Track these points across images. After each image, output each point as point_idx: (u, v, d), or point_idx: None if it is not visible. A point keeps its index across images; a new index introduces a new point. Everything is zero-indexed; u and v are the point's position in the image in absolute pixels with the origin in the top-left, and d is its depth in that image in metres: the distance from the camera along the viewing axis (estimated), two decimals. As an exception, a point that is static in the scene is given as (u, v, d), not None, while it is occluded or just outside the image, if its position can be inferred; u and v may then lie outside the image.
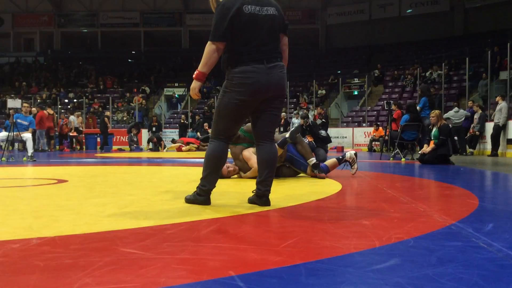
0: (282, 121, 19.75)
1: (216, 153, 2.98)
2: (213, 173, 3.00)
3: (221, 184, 4.40)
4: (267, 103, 2.94)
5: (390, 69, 25.17)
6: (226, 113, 2.94)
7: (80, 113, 20.30)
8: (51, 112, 17.76)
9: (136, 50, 33.98)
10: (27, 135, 10.00)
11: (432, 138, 8.27)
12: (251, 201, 3.08)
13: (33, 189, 4.39)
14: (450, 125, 12.63)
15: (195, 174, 5.54)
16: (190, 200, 3.09)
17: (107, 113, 20.20)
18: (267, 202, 2.99)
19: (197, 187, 3.06)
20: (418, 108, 10.47)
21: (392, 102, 11.26)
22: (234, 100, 2.87)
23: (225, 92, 2.92)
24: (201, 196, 3.03)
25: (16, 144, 13.38)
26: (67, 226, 2.31)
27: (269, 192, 3.01)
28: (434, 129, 8.26)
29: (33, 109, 15.39)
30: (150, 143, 18.39)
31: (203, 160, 3.05)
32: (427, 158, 7.92)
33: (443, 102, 17.73)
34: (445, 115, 13.41)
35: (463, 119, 13.86)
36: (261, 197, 3.00)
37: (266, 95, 2.89)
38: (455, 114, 13.82)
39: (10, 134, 9.70)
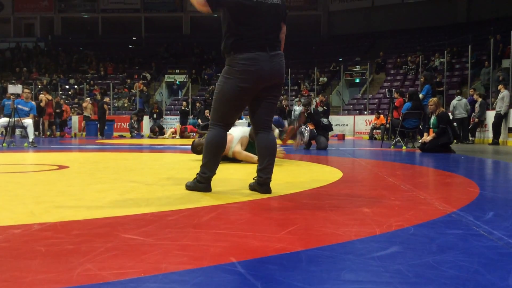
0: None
1: (215, 140, 2.97)
2: (212, 160, 2.99)
3: (222, 171, 4.40)
4: (266, 91, 2.94)
5: (392, 56, 25.06)
6: (227, 100, 2.92)
7: (88, 98, 20.27)
8: (50, 97, 17.75)
9: (137, 36, 33.83)
10: (28, 121, 9.99)
11: (431, 127, 8.22)
12: (252, 188, 3.08)
13: (34, 175, 4.40)
14: (452, 115, 12.59)
15: (195, 161, 5.54)
16: (190, 187, 3.09)
17: (106, 99, 20.13)
18: (268, 190, 2.99)
19: (197, 174, 3.06)
20: (420, 95, 10.41)
21: (393, 90, 11.23)
22: (237, 88, 2.85)
23: (227, 78, 2.89)
24: (202, 183, 3.03)
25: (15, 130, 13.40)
26: (69, 211, 2.32)
27: (270, 180, 3.00)
28: (433, 118, 8.20)
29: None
30: (151, 133, 18.37)
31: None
32: (428, 147, 7.91)
33: (445, 90, 17.67)
34: (451, 105, 13.31)
35: (468, 110, 13.64)
36: (262, 184, 2.99)
37: (268, 83, 2.89)
38: (459, 103, 13.58)
39: (11, 120, 9.70)
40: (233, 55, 2.85)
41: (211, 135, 2.98)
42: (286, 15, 3.02)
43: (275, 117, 5.64)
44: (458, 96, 14.02)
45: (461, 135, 13.12)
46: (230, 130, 5.20)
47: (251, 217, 2.28)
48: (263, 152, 3.01)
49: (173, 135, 17.07)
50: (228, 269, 1.41)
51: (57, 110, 18.36)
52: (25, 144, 9.77)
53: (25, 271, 1.37)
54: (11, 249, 1.62)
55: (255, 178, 3.04)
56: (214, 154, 2.99)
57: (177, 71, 27.48)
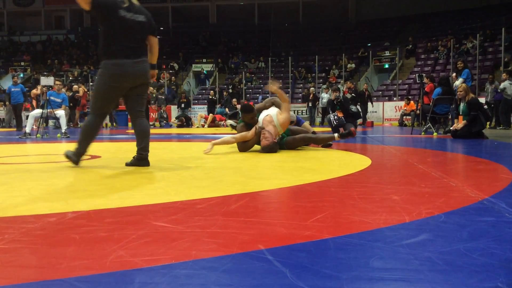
0: (311, 96, 19.58)
1: (91, 125, 3.85)
2: (87, 140, 3.85)
3: (250, 159, 4.43)
4: (135, 89, 3.81)
5: (423, 40, 24.48)
6: (101, 94, 3.78)
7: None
8: (86, 89, 18.21)
9: (164, 26, 34.02)
10: (60, 112, 10.23)
11: (461, 113, 8.00)
12: (131, 164, 3.85)
13: (67, 164, 4.51)
14: (505, 96, 12.17)
15: (223, 150, 5.58)
16: (69, 155, 3.92)
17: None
18: (147, 163, 3.84)
19: (75, 149, 3.88)
20: (460, 79, 10.27)
21: (424, 75, 10.99)
22: (108, 86, 3.72)
23: (100, 78, 3.74)
24: (77, 157, 3.88)
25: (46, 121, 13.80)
26: (101, 200, 2.38)
27: (148, 155, 3.86)
28: (462, 104, 7.97)
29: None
30: (177, 120, 18.46)
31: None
32: (460, 134, 7.71)
33: (477, 74, 17.20)
34: (501, 86, 12.82)
35: None
36: (143, 159, 3.84)
37: (133, 83, 3.76)
38: (510, 87, 12.90)
39: (44, 111, 9.95)
40: (105, 60, 3.68)
41: (90, 121, 3.84)
42: (154, 29, 3.94)
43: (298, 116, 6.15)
44: (510, 78, 13.25)
45: (491, 115, 12.70)
46: (267, 111, 5.30)
47: (278, 205, 2.29)
48: (142, 134, 3.85)
49: (203, 123, 17.12)
50: (257, 256, 1.42)
51: None
52: (58, 135, 10.01)
53: (60, 258, 1.42)
54: (47, 237, 1.68)
55: (135, 156, 3.84)
56: (90, 136, 3.86)
57: (204, 60, 27.54)
